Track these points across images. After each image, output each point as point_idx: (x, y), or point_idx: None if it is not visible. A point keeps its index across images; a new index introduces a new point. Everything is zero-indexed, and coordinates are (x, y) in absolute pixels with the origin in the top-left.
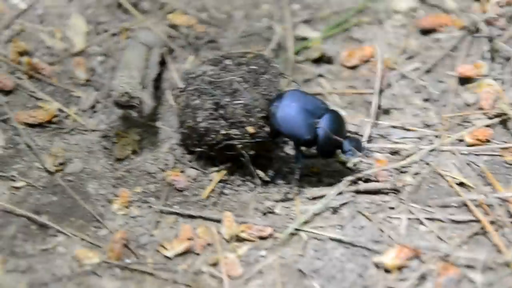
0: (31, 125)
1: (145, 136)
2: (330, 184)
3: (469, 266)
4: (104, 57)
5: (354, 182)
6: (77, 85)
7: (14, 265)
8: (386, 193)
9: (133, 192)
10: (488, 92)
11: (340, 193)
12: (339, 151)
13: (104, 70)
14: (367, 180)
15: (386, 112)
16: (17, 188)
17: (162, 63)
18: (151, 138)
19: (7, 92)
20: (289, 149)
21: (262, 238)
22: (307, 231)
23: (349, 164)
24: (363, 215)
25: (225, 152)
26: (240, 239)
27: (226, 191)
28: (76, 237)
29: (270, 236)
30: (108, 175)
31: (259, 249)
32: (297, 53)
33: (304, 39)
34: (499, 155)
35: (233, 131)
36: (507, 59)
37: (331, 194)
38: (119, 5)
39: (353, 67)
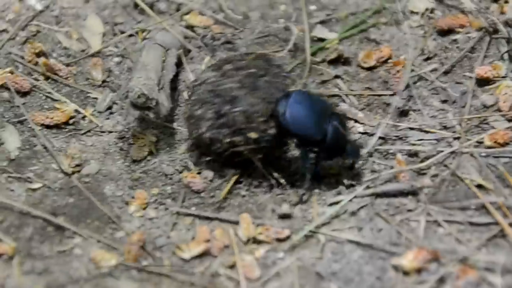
0: (48, 126)
1: (161, 138)
2: (348, 186)
3: (488, 269)
4: (121, 58)
5: (372, 185)
6: (94, 86)
7: (30, 267)
8: (405, 195)
9: (150, 193)
10: (507, 94)
11: (358, 195)
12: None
13: (121, 71)
14: (385, 182)
15: (404, 113)
16: (33, 189)
17: (179, 64)
18: (168, 140)
19: (24, 93)
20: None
21: (279, 240)
22: (325, 233)
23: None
24: (381, 217)
25: (234, 160)
26: (257, 241)
27: (243, 192)
28: (93, 239)
29: (288, 238)
30: (125, 176)
31: (276, 251)
32: (314, 54)
33: (321, 40)
34: None
35: (237, 139)
36: None
37: (349, 196)
38: (136, 6)
39: (370, 68)
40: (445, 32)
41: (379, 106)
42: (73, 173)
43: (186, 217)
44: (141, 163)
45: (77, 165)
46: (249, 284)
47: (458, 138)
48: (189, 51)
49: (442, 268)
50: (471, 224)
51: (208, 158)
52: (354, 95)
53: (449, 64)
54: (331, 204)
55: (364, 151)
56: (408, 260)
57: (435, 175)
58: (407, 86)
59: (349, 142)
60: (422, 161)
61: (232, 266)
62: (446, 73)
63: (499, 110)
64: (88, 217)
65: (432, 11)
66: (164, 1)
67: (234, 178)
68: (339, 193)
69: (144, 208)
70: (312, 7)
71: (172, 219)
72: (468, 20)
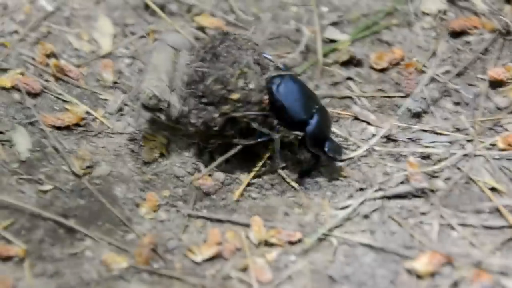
0: (59, 128)
1: (172, 139)
2: (360, 189)
3: (502, 273)
4: (132, 60)
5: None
6: (105, 87)
7: (42, 269)
8: (418, 197)
9: (161, 196)
10: None
11: (369, 198)
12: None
13: (131, 73)
14: (397, 185)
15: (417, 115)
16: (44, 191)
17: None
18: (179, 141)
19: (35, 95)
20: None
21: (291, 243)
22: (337, 236)
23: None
24: (394, 220)
25: (239, 137)
26: (269, 244)
27: (254, 195)
28: (104, 241)
29: (300, 241)
30: (136, 178)
31: (288, 254)
32: (325, 55)
33: (332, 41)
34: None
35: (225, 107)
36: None
37: (360, 198)
38: (146, 7)
39: (382, 70)
40: (457, 34)
41: (391, 108)
42: (84, 175)
43: (198, 220)
44: (152, 165)
45: (88, 167)
46: (261, 287)
47: (471, 140)
48: None
49: (456, 272)
50: (485, 227)
51: (213, 143)
52: (366, 97)
53: (462, 66)
54: (343, 207)
55: (346, 154)
56: (421, 263)
57: (448, 178)
58: (419, 89)
59: (330, 138)
60: (435, 164)
61: (244, 269)
62: (458, 75)
63: None
64: (99, 219)
65: (444, 12)
66: (175, 2)
67: (246, 181)
68: (351, 196)
69: (155, 211)
70: (324, 9)
71: (184, 222)
72: (481, 22)
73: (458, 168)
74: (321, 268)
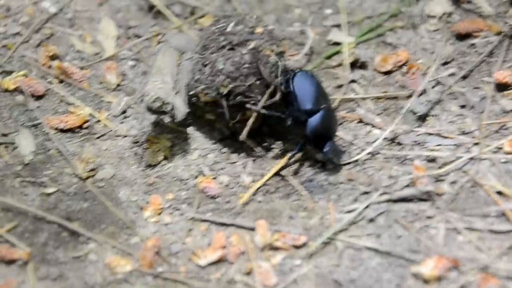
0: (62, 130)
1: (176, 142)
2: (365, 192)
3: (509, 278)
4: (135, 62)
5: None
6: (108, 90)
7: (45, 272)
8: (424, 200)
9: (165, 199)
10: None
11: (375, 202)
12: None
13: (135, 75)
14: (402, 188)
15: (422, 118)
16: (48, 194)
17: None
18: (183, 144)
19: (38, 97)
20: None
21: (296, 247)
22: (342, 240)
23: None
24: (400, 224)
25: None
26: (274, 248)
27: (259, 198)
28: (108, 244)
29: (305, 244)
30: (140, 181)
31: (293, 258)
32: (329, 58)
33: (337, 44)
34: None
35: (251, 43)
36: None
37: (365, 202)
38: (150, 9)
39: (387, 73)
40: (462, 36)
41: (396, 111)
42: (88, 177)
43: (202, 223)
44: (156, 168)
45: (92, 170)
46: None
47: (477, 144)
48: None
49: (463, 277)
50: (492, 231)
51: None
52: (371, 100)
53: (467, 69)
54: (348, 211)
55: (344, 158)
56: (428, 268)
57: (454, 182)
58: (424, 91)
59: (332, 141)
60: (440, 167)
61: (249, 273)
62: (464, 78)
63: None
64: (103, 222)
65: (449, 15)
66: (179, 4)
67: (255, 186)
68: (356, 199)
69: (159, 214)
70: (328, 11)
71: (188, 225)
72: (486, 24)
73: (464, 172)
74: (327, 272)
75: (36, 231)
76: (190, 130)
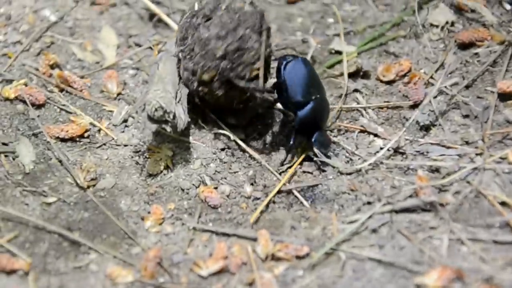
0: (63, 139)
1: (177, 152)
2: (368, 203)
3: None
4: (136, 71)
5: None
6: (109, 99)
7: (46, 282)
8: (427, 211)
9: (166, 208)
10: None
11: (377, 212)
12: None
13: (136, 84)
14: (405, 199)
15: (424, 128)
16: (48, 203)
17: None
18: (184, 154)
19: (39, 106)
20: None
21: (299, 257)
22: (345, 250)
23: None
24: (403, 234)
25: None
26: (276, 258)
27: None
28: (109, 254)
29: (307, 255)
30: (141, 191)
31: (296, 269)
32: (332, 67)
33: (339, 53)
34: None
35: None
36: None
37: (368, 212)
38: (151, 18)
39: (389, 82)
40: (465, 46)
41: (399, 121)
42: (88, 187)
43: (203, 233)
44: (157, 177)
45: (93, 179)
46: None
47: (480, 154)
48: None
49: None
50: (496, 242)
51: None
52: (373, 109)
53: (470, 78)
54: (351, 221)
55: (333, 148)
56: (431, 279)
57: (458, 192)
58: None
59: (322, 130)
60: (443, 177)
61: (251, 284)
62: (467, 87)
63: None
64: (104, 232)
65: (452, 24)
66: (180, 13)
67: (266, 201)
68: (358, 210)
69: (161, 224)
70: (330, 20)
71: (189, 235)
72: (489, 33)
73: (468, 182)
74: (329, 283)
75: (36, 241)
76: (192, 139)
